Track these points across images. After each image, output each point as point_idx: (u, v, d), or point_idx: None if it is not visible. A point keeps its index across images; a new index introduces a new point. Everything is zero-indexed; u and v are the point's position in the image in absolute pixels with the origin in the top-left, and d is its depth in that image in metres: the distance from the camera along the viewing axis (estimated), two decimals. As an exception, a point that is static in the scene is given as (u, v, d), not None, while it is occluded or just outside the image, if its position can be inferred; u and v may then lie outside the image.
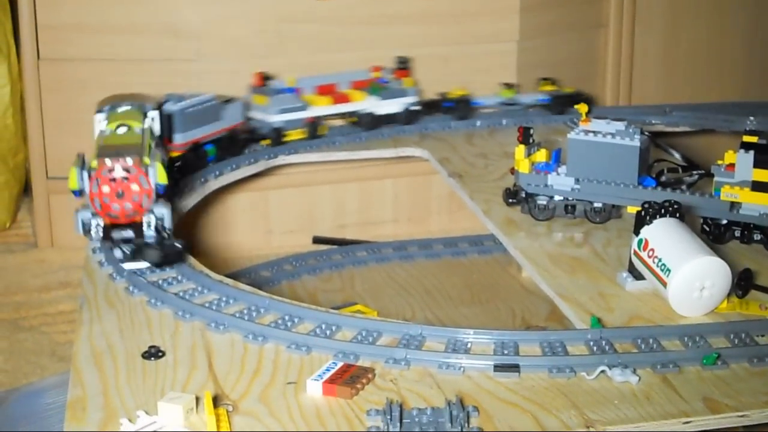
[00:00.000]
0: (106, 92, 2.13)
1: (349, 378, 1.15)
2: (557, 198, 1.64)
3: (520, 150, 1.66)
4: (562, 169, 1.65)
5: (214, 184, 1.89)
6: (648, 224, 1.37)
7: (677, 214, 1.38)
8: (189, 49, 2.19)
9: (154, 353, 1.24)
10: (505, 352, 1.22)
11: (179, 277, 1.44)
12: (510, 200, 1.68)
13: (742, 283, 1.33)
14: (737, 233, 1.52)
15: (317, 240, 2.34)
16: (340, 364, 1.19)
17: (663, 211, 1.38)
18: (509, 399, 1.13)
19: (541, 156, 1.68)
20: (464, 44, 2.35)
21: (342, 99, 2.10)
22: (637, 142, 1.58)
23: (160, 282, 1.42)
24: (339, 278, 2.16)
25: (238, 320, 1.30)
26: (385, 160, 2.27)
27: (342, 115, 2.12)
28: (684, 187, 1.62)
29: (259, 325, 1.29)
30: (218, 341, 1.27)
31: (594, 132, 1.61)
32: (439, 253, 2.26)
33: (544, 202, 1.64)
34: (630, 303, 1.37)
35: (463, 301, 2.05)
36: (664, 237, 1.34)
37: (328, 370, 1.17)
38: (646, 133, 1.60)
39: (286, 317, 1.32)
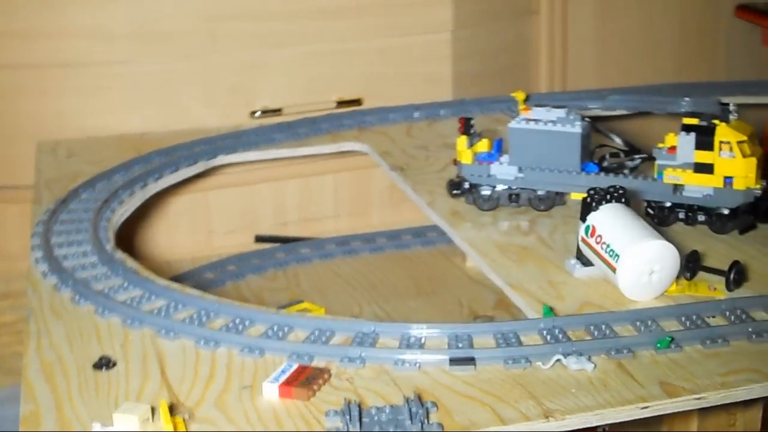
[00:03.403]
0: (36, 99, 2.11)
1: (305, 379, 1.14)
2: (501, 187, 1.64)
3: (462, 141, 1.66)
4: (505, 158, 1.65)
5: (153, 187, 1.86)
6: (594, 210, 1.38)
7: (623, 199, 1.38)
8: (120, 52, 2.15)
9: (105, 363, 1.22)
10: (460, 345, 1.22)
11: (125, 285, 1.42)
12: (454, 191, 1.68)
13: (690, 265, 1.34)
14: (681, 215, 1.54)
15: (259, 239, 2.32)
16: (295, 366, 1.18)
17: (608, 196, 1.38)
18: (467, 393, 1.13)
19: (483, 146, 1.68)
20: (399, 36, 2.33)
21: None
22: (578, 129, 1.58)
23: (107, 290, 1.40)
24: (284, 277, 2.14)
25: (189, 326, 1.29)
26: (325, 155, 2.25)
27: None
28: (626, 171, 1.63)
29: (210, 330, 1.27)
30: (170, 348, 1.25)
31: (535, 120, 1.61)
32: (383, 247, 2.26)
33: (488, 192, 1.64)
34: (580, 290, 1.37)
35: (410, 293, 2.04)
36: (611, 222, 1.35)
37: (283, 372, 1.16)
38: (587, 119, 1.61)
39: (237, 320, 1.30)
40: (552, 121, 1.60)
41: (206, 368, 1.21)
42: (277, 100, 2.26)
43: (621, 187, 1.40)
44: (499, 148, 1.67)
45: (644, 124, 2.45)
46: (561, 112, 1.60)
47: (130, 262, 1.48)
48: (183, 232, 2.28)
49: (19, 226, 2.15)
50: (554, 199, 1.64)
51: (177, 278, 1.82)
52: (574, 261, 1.42)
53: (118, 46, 2.15)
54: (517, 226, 1.59)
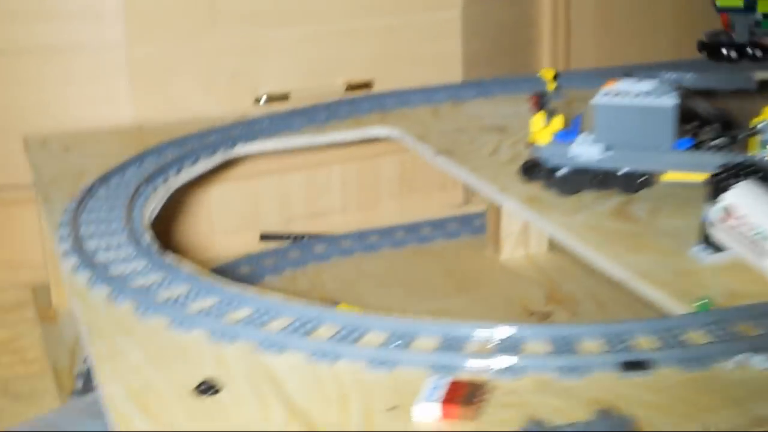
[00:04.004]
0: (15, 88, 1.88)
1: (466, 395, 0.97)
2: (582, 169, 1.48)
3: (538, 119, 1.50)
4: (586, 137, 1.49)
5: (175, 181, 1.66)
6: (728, 189, 1.23)
7: (760, 175, 1.24)
8: (111, 33, 1.93)
9: (208, 388, 1.02)
10: (619, 347, 1.06)
11: (195, 293, 1.22)
12: (529, 175, 1.52)
13: None
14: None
15: (265, 237, 2.12)
16: (447, 380, 0.99)
17: (742, 173, 1.24)
18: (655, 402, 0.97)
19: (557, 124, 1.52)
20: (406, 14, 2.16)
21: None
22: (672, 102, 1.43)
23: (173, 301, 1.20)
24: (305, 277, 1.95)
25: (294, 338, 1.10)
26: (330, 145, 2.06)
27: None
28: (723, 147, 1.49)
29: (322, 341, 1.09)
30: (278, 365, 1.06)
31: (622, 94, 1.46)
32: (403, 241, 2.08)
33: (570, 175, 1.48)
34: (719, 279, 1.22)
35: (448, 291, 1.87)
36: (756, 202, 1.20)
37: (435, 388, 0.98)
38: (679, 89, 1.46)
39: (348, 329, 1.11)
40: (642, 95, 1.45)
41: (332, 387, 1.02)
42: (282, 84, 2.07)
43: (753, 163, 1.25)
44: (577, 126, 1.51)
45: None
46: (652, 84, 1.45)
47: (187, 266, 1.28)
48: (184, 232, 2.06)
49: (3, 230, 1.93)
50: (643, 181, 1.48)
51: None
52: (701, 247, 1.27)
53: (108, 27, 1.93)
54: (611, 211, 1.43)
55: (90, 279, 1.27)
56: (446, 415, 0.95)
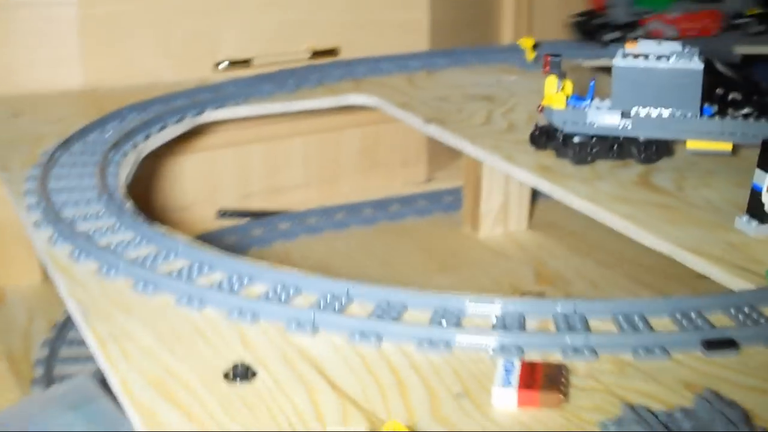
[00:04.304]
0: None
1: (546, 379, 0.85)
2: (600, 136, 1.38)
3: (552, 82, 1.39)
4: (601, 102, 1.38)
5: (144, 147, 1.50)
6: (783, 155, 1.13)
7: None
8: None
9: (242, 373, 0.88)
10: (695, 324, 0.95)
11: (202, 265, 1.08)
12: (542, 142, 1.41)
13: None
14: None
15: (224, 214, 1.97)
16: (519, 363, 0.87)
17: (795, 138, 1.14)
18: (751, 384, 0.86)
19: (568, 89, 1.41)
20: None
21: None
22: (699, 65, 1.34)
23: (183, 274, 1.05)
24: (272, 256, 1.81)
25: (331, 315, 0.97)
26: (291, 115, 1.92)
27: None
28: (752, 114, 1.40)
29: (364, 319, 0.95)
30: (316, 347, 0.93)
31: (644, 55, 1.35)
32: (373, 218, 1.95)
33: (585, 142, 1.38)
34: (770, 251, 1.12)
35: (431, 270, 1.76)
36: (815, 169, 1.11)
37: (507, 372, 0.86)
38: (703, 53, 1.36)
39: (385, 304, 0.99)
40: (666, 57, 1.35)
41: (385, 372, 0.89)
42: (243, 49, 1.92)
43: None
44: (592, 90, 1.40)
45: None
46: (675, 45, 1.35)
47: (182, 237, 1.14)
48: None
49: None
50: (664, 148, 1.38)
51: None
52: (748, 218, 1.17)
53: None
54: (636, 181, 1.33)
55: (73, 252, 1.12)
56: (523, 401, 0.83)
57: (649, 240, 1.17)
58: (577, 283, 1.69)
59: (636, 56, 1.36)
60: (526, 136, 1.47)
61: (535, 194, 1.91)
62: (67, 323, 1.52)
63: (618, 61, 1.36)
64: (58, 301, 1.62)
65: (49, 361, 1.42)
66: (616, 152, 1.38)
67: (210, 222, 1.96)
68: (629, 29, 1.98)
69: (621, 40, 1.92)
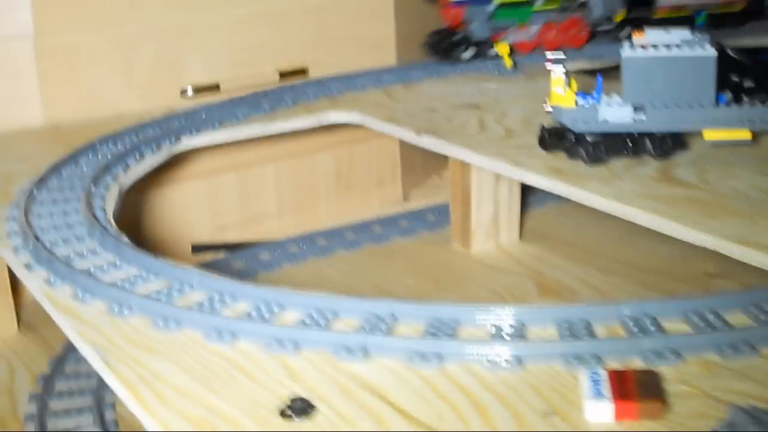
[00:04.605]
0: None
1: (641, 388, 0.77)
2: (613, 134, 1.31)
3: (560, 80, 1.32)
4: (610, 98, 1.32)
5: (125, 180, 1.40)
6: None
7: None
8: (18, 22, 1.66)
9: (301, 408, 0.79)
10: (771, 317, 0.88)
11: (222, 295, 0.98)
12: (551, 143, 1.34)
13: None
14: None
15: (198, 248, 1.87)
16: (603, 373, 0.79)
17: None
18: None
19: (574, 87, 1.34)
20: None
21: None
22: (712, 52, 1.28)
23: (205, 307, 0.95)
24: (259, 287, 1.70)
25: (376, 338, 0.87)
26: (260, 141, 1.83)
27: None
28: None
29: (421, 340, 0.87)
30: (374, 373, 0.84)
31: (653, 46, 1.29)
32: (356, 241, 1.87)
33: (599, 140, 1.31)
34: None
35: (428, 289, 1.67)
36: None
37: (594, 383, 0.78)
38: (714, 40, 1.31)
39: (435, 324, 0.90)
40: (674, 46, 1.29)
41: (456, 394, 0.80)
42: (209, 74, 1.83)
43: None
44: (600, 87, 1.34)
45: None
46: (684, 33, 1.29)
47: (195, 269, 1.04)
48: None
49: None
50: (679, 142, 1.32)
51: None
52: (789, 204, 1.11)
53: (13, 14, 1.65)
54: (657, 177, 1.26)
55: (76, 292, 1.01)
56: (621, 414, 0.75)
57: (690, 235, 1.10)
58: (583, 291, 1.62)
59: (644, 47, 1.29)
60: (527, 140, 1.40)
61: (523, 205, 1.84)
62: (54, 375, 1.41)
63: (626, 53, 1.29)
64: (39, 351, 1.52)
65: (42, 416, 1.31)
66: (631, 148, 1.31)
67: (185, 258, 1.85)
68: (489, 45, 1.83)
69: (479, 57, 1.83)
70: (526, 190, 1.82)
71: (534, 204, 1.94)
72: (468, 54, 1.83)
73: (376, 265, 1.78)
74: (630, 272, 1.67)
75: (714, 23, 1.97)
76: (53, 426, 1.29)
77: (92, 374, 1.40)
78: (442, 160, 1.70)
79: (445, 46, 1.84)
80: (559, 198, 1.96)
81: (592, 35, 1.91)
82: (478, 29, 1.81)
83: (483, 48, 1.83)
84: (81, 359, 1.45)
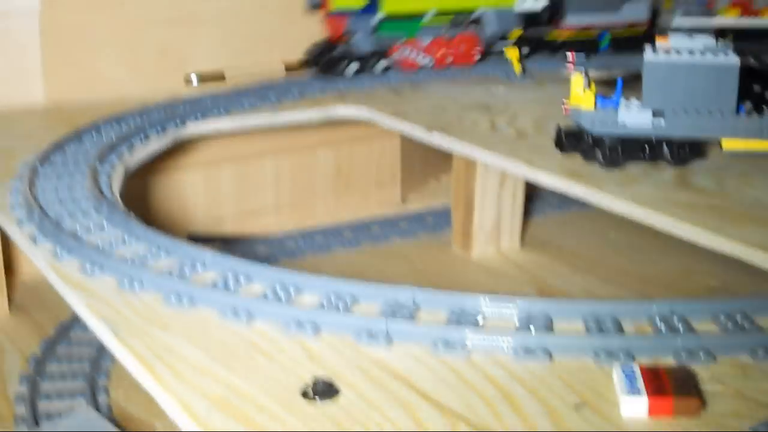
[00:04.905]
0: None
1: (676, 385, 0.75)
2: (632, 138, 1.29)
3: (579, 81, 1.30)
4: (629, 102, 1.30)
5: (131, 161, 1.37)
6: None
7: None
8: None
9: (324, 391, 0.76)
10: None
11: (234, 279, 0.95)
12: (568, 145, 1.32)
13: None
14: None
15: (193, 238, 1.83)
16: (637, 369, 0.77)
17: None
18: None
19: (594, 88, 1.32)
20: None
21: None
22: (735, 60, 1.26)
23: (219, 285, 0.93)
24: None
25: (399, 323, 0.85)
26: (262, 133, 1.81)
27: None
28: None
29: (444, 326, 0.84)
30: (399, 358, 0.82)
31: (677, 51, 1.28)
32: (355, 240, 1.84)
33: (616, 144, 1.29)
34: None
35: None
36: None
37: (628, 378, 0.76)
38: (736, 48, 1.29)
39: (457, 311, 0.88)
40: (699, 52, 1.27)
41: (484, 383, 0.78)
42: (213, 62, 1.80)
43: None
44: (620, 90, 1.32)
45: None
46: (708, 40, 1.28)
47: (208, 248, 1.02)
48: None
49: None
50: (697, 149, 1.31)
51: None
52: (814, 214, 1.09)
53: None
54: (676, 183, 1.24)
55: (84, 266, 0.98)
56: (655, 409, 0.73)
57: (716, 241, 1.08)
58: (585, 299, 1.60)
59: (667, 51, 1.28)
60: (540, 142, 1.38)
61: (526, 212, 1.82)
62: (45, 357, 1.37)
63: (649, 57, 1.27)
64: (30, 333, 1.48)
65: (33, 396, 1.27)
66: (648, 154, 1.29)
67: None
68: (375, 59, 1.74)
69: (365, 71, 1.74)
70: (528, 199, 1.80)
71: (535, 213, 1.93)
72: (351, 70, 1.73)
73: (376, 265, 1.75)
74: (631, 283, 1.65)
75: (617, 46, 1.93)
76: (44, 408, 1.25)
77: (84, 358, 1.37)
78: (442, 164, 1.67)
79: (326, 61, 1.73)
80: (560, 208, 1.96)
81: (486, 54, 1.84)
82: (361, 42, 1.72)
83: (367, 63, 1.74)
84: (73, 342, 1.42)
